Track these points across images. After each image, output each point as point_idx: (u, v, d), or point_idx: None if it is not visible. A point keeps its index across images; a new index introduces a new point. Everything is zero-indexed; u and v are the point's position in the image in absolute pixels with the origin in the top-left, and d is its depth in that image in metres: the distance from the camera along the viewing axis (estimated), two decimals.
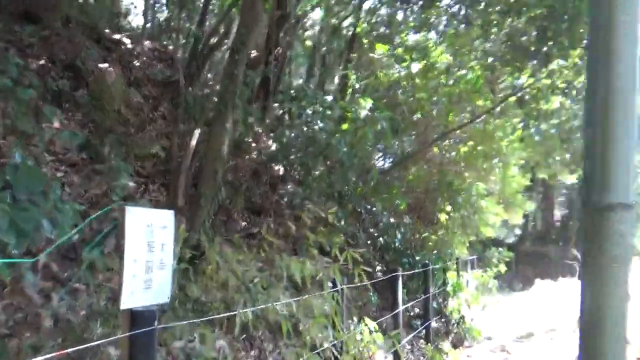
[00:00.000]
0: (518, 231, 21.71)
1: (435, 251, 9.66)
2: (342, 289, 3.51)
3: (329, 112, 7.85)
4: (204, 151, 4.41)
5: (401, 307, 5.79)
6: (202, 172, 4.22)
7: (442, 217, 9.74)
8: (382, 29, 13.16)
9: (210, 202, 4.14)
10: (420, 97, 10.69)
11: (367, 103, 9.13)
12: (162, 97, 6.29)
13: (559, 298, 12.73)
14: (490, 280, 10.10)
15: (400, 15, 13.03)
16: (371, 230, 8.55)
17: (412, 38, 12.13)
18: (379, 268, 7.83)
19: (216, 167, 4.08)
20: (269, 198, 6.70)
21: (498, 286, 12.65)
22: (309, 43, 13.91)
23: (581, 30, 6.40)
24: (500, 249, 15.22)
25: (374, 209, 8.57)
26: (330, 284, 3.74)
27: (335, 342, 3.41)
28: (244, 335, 3.81)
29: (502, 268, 10.95)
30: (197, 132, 4.54)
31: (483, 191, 10.99)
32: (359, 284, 3.74)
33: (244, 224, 5.38)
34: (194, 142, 4.44)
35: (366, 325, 5.73)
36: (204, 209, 4.07)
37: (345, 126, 7.62)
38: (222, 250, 3.10)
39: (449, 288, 8.88)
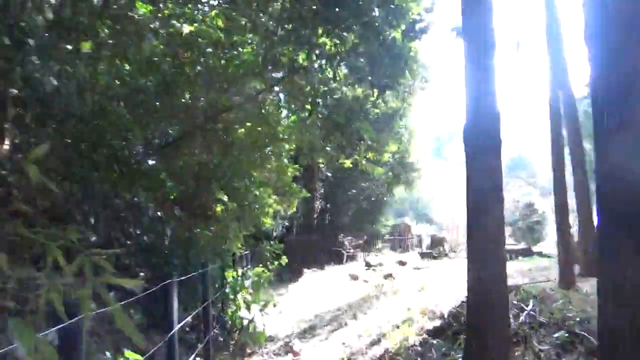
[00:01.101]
0: (285, 222, 22.11)
1: (209, 248, 8.38)
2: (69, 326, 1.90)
3: (69, 70, 5.74)
4: None
5: (177, 326, 4.32)
6: None
7: (219, 208, 8.52)
8: None
9: None
10: (188, 73, 9.22)
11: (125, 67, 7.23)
12: None
13: (328, 286, 13.01)
14: (269, 275, 9.36)
15: None
16: (131, 229, 6.71)
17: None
18: (142, 274, 6.11)
19: None
20: None
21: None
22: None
23: None
24: (271, 241, 14.84)
25: (136, 199, 6.76)
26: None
27: None
28: None
29: (284, 261, 10.38)
30: None
31: (258, 180, 10.20)
32: (111, 307, 2.13)
33: None
34: None
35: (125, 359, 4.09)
36: None
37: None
38: None
39: (227, 289, 7.72)
